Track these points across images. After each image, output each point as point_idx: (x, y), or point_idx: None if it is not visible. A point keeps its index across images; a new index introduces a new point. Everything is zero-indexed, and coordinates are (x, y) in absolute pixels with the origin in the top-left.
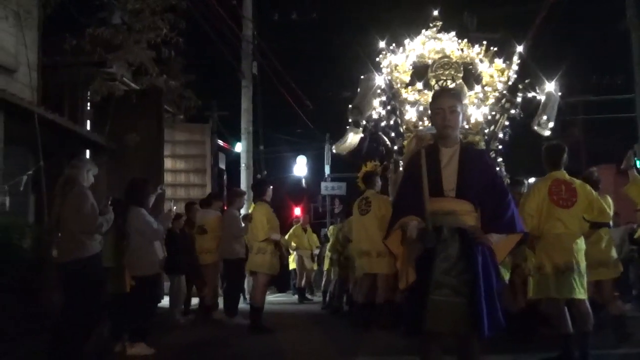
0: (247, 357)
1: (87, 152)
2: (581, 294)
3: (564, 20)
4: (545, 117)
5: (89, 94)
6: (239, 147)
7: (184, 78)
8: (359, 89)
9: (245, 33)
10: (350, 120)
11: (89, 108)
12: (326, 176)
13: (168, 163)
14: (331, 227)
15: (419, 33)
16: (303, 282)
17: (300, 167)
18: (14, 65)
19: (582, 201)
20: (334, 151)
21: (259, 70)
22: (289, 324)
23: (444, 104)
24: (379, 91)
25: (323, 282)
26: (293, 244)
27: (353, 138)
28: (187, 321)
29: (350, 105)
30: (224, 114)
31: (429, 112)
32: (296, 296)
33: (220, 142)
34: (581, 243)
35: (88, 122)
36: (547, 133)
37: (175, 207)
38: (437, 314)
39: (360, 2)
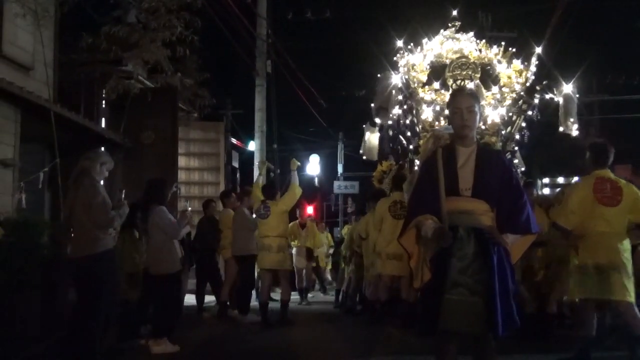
0: (262, 354)
1: (102, 149)
2: (629, 296)
3: (579, 20)
4: (572, 119)
5: (104, 91)
6: (252, 146)
7: (199, 76)
8: (377, 88)
9: (259, 32)
10: (377, 121)
11: (104, 106)
12: (339, 175)
13: (182, 161)
14: (345, 227)
15: (436, 32)
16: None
17: (313, 166)
18: (31, 63)
19: (628, 200)
20: (364, 158)
21: (273, 68)
22: (302, 322)
23: (462, 104)
24: (394, 92)
25: (336, 281)
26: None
27: (370, 137)
28: (202, 318)
29: (372, 105)
30: (237, 112)
31: (446, 111)
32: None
33: (234, 140)
34: (627, 243)
35: (103, 119)
36: (574, 133)
37: (190, 208)
38: (452, 313)
39: (376, 1)
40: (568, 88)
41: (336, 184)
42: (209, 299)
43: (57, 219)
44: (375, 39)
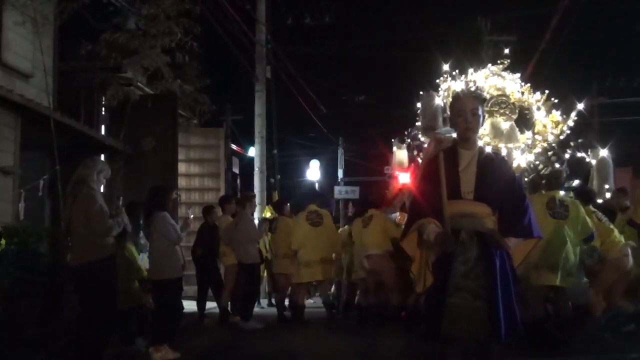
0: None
1: (102, 156)
2: None
3: (578, 22)
4: (607, 186)
5: (104, 98)
6: (252, 151)
7: (199, 82)
8: (419, 105)
9: (259, 37)
10: (422, 139)
11: (104, 112)
12: (339, 180)
13: (182, 167)
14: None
15: (475, 60)
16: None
17: (313, 171)
18: (31, 70)
19: None
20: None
21: (273, 74)
22: (302, 328)
23: (467, 106)
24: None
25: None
26: None
27: (398, 153)
28: (203, 325)
29: (419, 124)
30: (237, 118)
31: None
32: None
33: (234, 146)
34: None
35: (103, 126)
36: (600, 200)
37: (192, 216)
38: (455, 318)
39: (377, 7)
40: (604, 152)
41: (337, 189)
42: (210, 305)
43: (57, 226)
44: (377, 45)
